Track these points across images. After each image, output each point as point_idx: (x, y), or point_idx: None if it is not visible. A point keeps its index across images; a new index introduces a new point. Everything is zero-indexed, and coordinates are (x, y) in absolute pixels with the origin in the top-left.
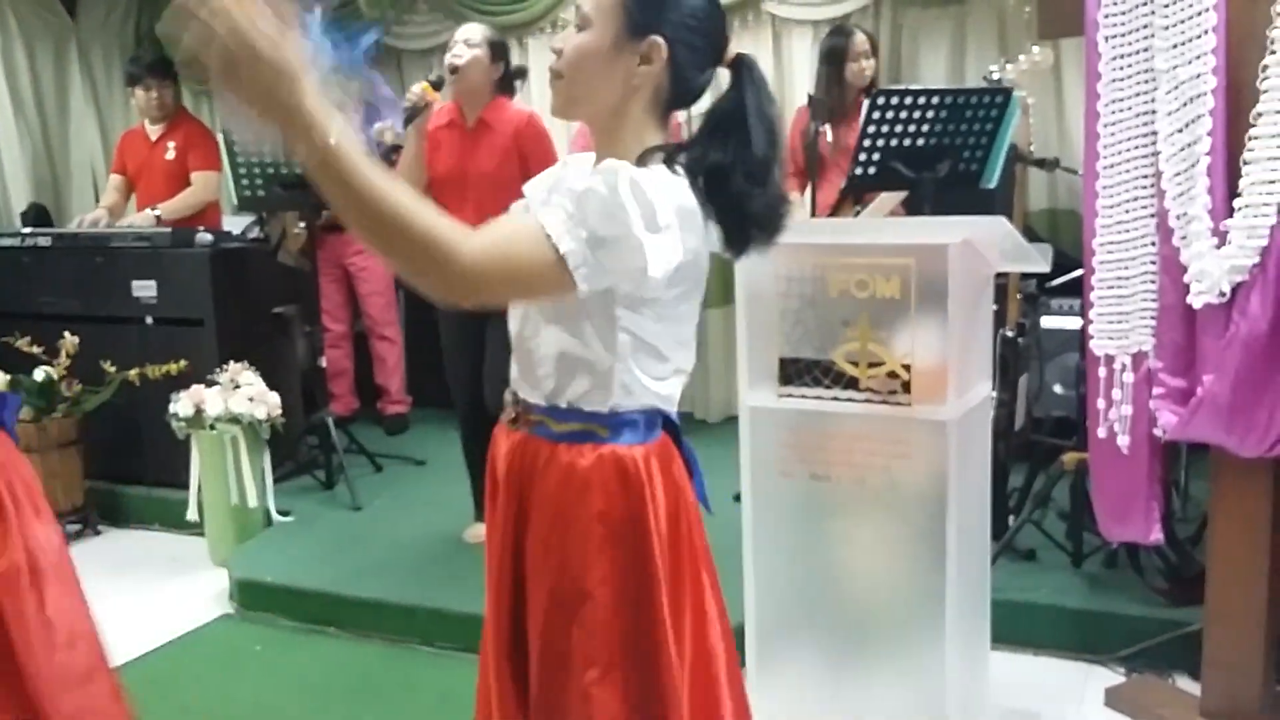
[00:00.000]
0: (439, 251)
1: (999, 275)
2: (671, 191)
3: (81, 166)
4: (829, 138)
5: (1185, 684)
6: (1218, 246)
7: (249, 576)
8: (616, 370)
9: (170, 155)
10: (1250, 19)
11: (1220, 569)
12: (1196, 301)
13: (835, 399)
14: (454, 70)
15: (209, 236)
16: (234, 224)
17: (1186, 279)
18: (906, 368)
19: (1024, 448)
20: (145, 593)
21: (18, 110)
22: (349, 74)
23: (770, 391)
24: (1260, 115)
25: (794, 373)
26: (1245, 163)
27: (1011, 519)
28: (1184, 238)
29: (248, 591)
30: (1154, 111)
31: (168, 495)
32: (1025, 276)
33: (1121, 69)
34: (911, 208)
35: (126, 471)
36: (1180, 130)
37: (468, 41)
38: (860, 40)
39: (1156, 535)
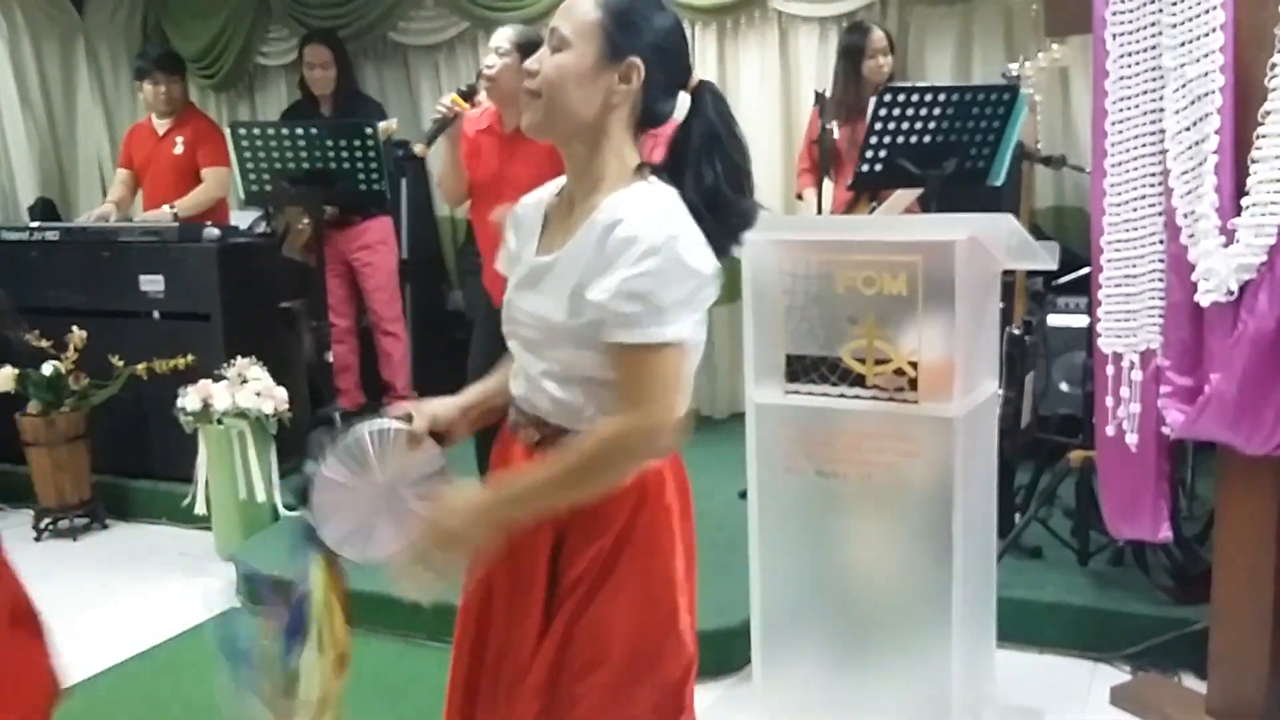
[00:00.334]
0: (624, 449)
1: (1006, 273)
2: (689, 226)
3: (88, 161)
4: (835, 134)
5: (1191, 682)
6: (1225, 245)
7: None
8: None
9: (178, 150)
10: (1258, 17)
11: (1226, 567)
12: (1204, 300)
13: (842, 396)
14: (489, 81)
15: (216, 231)
16: (241, 219)
17: (1194, 277)
18: (913, 365)
19: (1030, 445)
20: (152, 587)
21: (25, 105)
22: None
23: (777, 388)
24: (1268, 113)
25: (800, 370)
26: (1253, 161)
27: (1017, 517)
28: (1192, 236)
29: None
30: (1161, 109)
31: (175, 489)
32: (1032, 274)
33: (1129, 67)
34: (924, 205)
35: (134, 466)
36: (1188, 128)
37: (497, 50)
38: (878, 37)
39: (1165, 533)
